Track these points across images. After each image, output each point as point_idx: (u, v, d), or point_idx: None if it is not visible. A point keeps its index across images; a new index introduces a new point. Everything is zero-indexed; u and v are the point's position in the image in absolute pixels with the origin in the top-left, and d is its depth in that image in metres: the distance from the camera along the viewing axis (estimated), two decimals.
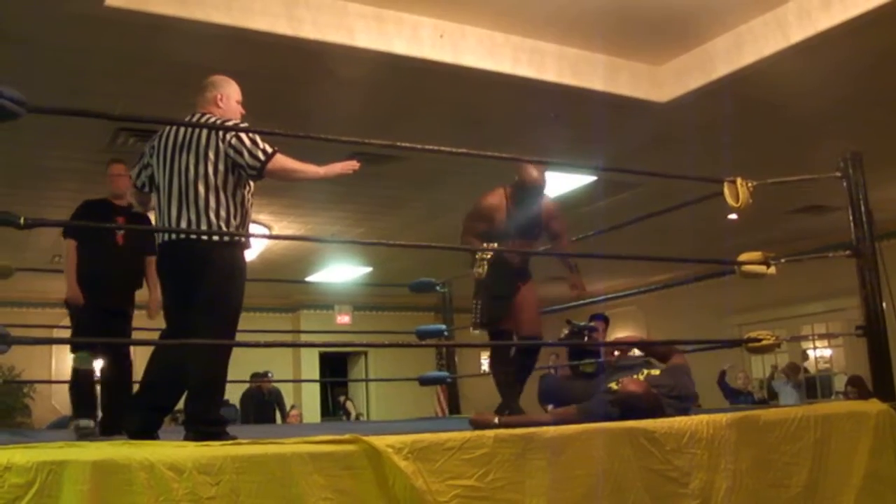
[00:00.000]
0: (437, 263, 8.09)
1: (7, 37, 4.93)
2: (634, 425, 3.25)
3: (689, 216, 5.99)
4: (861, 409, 3.85)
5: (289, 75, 5.76)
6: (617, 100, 6.27)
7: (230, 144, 3.45)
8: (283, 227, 9.88)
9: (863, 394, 6.34)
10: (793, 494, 3.46)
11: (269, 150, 3.48)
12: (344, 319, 14.34)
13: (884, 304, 4.11)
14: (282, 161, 3.50)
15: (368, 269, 12.64)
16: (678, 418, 3.37)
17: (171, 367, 3.50)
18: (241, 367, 10.66)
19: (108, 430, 4.64)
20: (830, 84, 6.17)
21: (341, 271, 12.47)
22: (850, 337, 4.44)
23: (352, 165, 3.67)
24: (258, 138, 3.49)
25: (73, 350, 4.98)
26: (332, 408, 14.47)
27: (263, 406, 11.83)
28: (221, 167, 3.46)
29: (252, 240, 10.32)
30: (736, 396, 10.41)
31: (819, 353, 12.85)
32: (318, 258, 11.79)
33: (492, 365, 4.69)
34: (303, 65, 5.54)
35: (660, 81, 6.37)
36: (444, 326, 4.63)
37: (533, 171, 4.41)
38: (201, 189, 3.44)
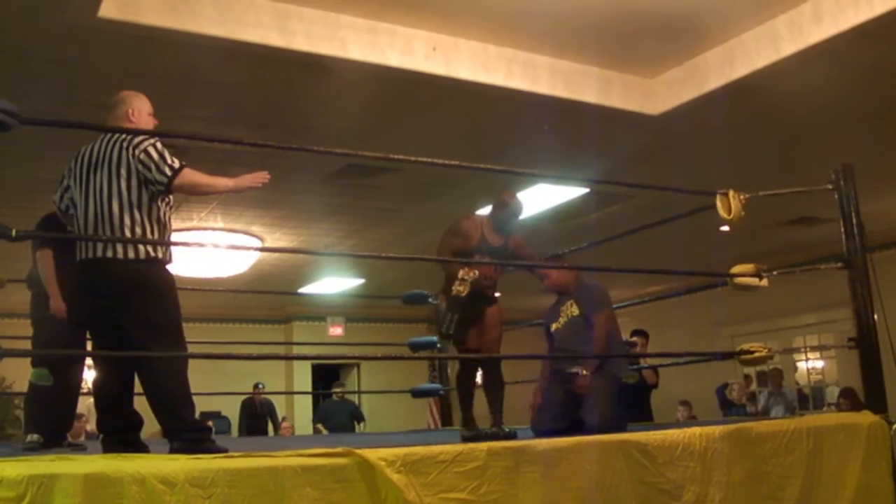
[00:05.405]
0: (430, 275, 8.08)
1: (0, 47, 4.93)
2: (627, 438, 3.25)
3: (682, 228, 6.01)
4: (853, 421, 3.86)
5: (282, 87, 5.76)
6: (610, 112, 6.29)
7: (139, 160, 3.40)
8: (275, 238, 9.87)
9: (855, 405, 6.34)
10: None
11: (176, 165, 3.42)
12: (336, 331, 14.32)
13: (875, 316, 4.13)
14: (189, 176, 3.45)
15: (361, 281, 12.64)
16: (671, 431, 3.37)
17: (116, 391, 3.49)
18: (235, 379, 10.63)
19: (50, 442, 4.62)
20: (822, 97, 6.20)
21: (334, 283, 12.46)
22: (843, 349, 4.45)
23: (262, 177, 3.59)
24: (167, 153, 3.43)
25: (34, 366, 4.80)
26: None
27: (256, 418, 11.82)
28: (134, 183, 3.40)
29: (244, 252, 10.26)
30: (730, 409, 10.40)
31: (811, 364, 12.88)
32: (310, 270, 11.78)
33: (459, 379, 4.80)
34: (296, 77, 5.55)
35: (652, 94, 6.39)
36: (436, 338, 4.62)
37: (514, 195, 4.72)
38: (115, 207, 3.39)
